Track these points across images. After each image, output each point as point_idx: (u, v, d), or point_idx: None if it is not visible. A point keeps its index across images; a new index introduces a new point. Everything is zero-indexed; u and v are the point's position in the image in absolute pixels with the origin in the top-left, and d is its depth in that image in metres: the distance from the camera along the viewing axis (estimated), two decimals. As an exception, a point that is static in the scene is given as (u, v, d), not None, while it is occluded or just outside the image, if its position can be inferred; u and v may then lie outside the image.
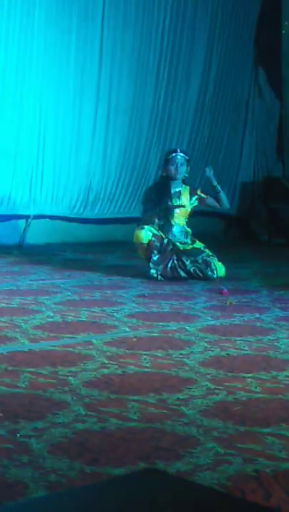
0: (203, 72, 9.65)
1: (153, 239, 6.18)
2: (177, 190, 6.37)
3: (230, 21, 9.82)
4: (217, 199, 6.44)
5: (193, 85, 9.56)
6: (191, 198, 6.39)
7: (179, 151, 6.45)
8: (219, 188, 6.43)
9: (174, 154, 6.34)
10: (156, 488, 1.36)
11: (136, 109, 9.09)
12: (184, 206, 6.33)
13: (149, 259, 6.18)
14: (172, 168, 6.30)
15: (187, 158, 6.39)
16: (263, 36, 10.19)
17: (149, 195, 6.44)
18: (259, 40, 10.19)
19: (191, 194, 6.40)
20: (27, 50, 8.14)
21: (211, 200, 6.46)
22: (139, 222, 6.44)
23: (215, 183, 6.43)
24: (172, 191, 6.35)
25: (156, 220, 6.27)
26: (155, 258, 6.17)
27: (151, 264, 6.16)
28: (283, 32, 10.25)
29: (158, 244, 6.20)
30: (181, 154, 6.36)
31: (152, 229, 6.24)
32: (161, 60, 9.22)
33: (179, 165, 6.29)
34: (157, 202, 6.29)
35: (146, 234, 6.19)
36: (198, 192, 6.46)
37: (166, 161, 6.38)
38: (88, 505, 1.29)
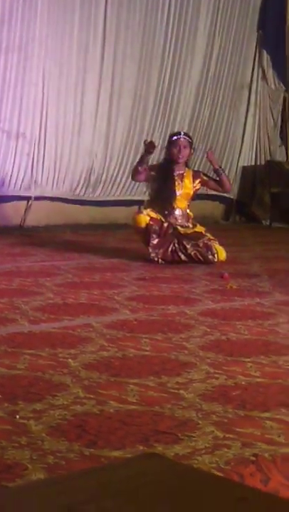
0: (206, 54, 9.59)
1: (151, 222, 6.16)
2: (180, 172, 6.34)
3: (234, 3, 9.75)
4: (219, 182, 6.43)
5: (196, 67, 9.51)
6: (193, 181, 6.37)
7: (182, 133, 6.44)
8: (221, 171, 6.42)
9: (177, 137, 6.32)
10: (155, 472, 1.35)
11: (140, 90, 9.03)
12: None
13: (147, 242, 6.17)
14: (175, 151, 6.27)
15: (190, 140, 6.37)
16: (267, 18, 10.12)
17: (152, 174, 6.32)
18: (263, 23, 10.12)
19: (194, 177, 6.38)
20: (30, 29, 8.08)
21: (213, 183, 6.46)
22: (140, 204, 6.43)
23: (217, 166, 6.43)
24: (175, 174, 6.32)
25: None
26: (154, 242, 6.16)
27: (150, 248, 6.15)
28: (288, 14, 10.17)
29: (157, 227, 6.18)
30: (185, 137, 6.34)
31: (151, 212, 6.22)
32: (166, 40, 9.16)
33: (182, 147, 6.27)
34: (162, 184, 6.26)
35: (144, 217, 6.17)
36: (201, 175, 6.45)
37: (170, 143, 6.35)
38: (88, 490, 1.28)
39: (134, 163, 6.51)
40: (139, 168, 6.23)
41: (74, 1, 8.39)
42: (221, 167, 6.65)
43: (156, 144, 6.28)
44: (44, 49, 8.21)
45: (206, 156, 6.50)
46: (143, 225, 6.16)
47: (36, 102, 8.22)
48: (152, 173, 6.27)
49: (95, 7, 8.54)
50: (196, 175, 6.41)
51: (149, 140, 6.34)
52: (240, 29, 9.91)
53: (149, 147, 6.15)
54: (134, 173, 6.35)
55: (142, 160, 6.24)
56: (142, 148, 6.48)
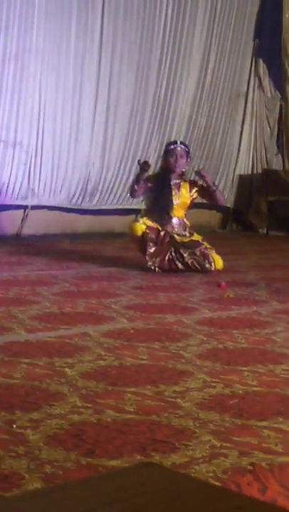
0: (202, 62, 9.61)
1: (147, 231, 6.17)
2: (177, 182, 6.35)
3: (230, 12, 9.78)
4: (212, 197, 6.43)
5: (193, 76, 9.53)
6: (190, 190, 6.38)
7: (178, 142, 6.45)
8: (214, 188, 6.42)
9: (173, 146, 6.33)
10: (153, 482, 1.35)
11: (136, 99, 9.05)
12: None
13: (144, 251, 6.17)
14: (172, 160, 6.28)
15: (187, 150, 6.38)
16: (263, 27, 10.16)
17: (150, 185, 6.35)
18: (259, 31, 10.15)
19: (191, 186, 6.39)
20: (27, 38, 8.09)
21: (209, 194, 6.47)
22: (137, 213, 6.45)
23: (210, 182, 6.42)
24: (172, 183, 6.33)
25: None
26: (151, 250, 6.16)
27: (147, 257, 6.15)
28: (284, 23, 10.20)
29: (153, 236, 6.18)
30: (181, 146, 6.34)
31: (147, 221, 6.23)
32: (163, 49, 9.18)
33: (178, 157, 6.28)
34: (159, 193, 6.28)
35: (140, 226, 6.18)
36: (198, 184, 6.46)
37: (166, 152, 6.36)
38: (86, 499, 1.28)
39: (131, 182, 6.57)
40: (136, 186, 6.26)
41: (71, 10, 8.41)
42: (214, 183, 6.66)
43: (150, 163, 6.31)
44: (41, 58, 8.23)
45: (198, 175, 6.47)
46: (139, 233, 6.16)
47: (33, 111, 8.23)
48: (150, 184, 6.28)
49: (92, 16, 8.56)
50: (192, 184, 6.42)
51: (142, 160, 6.36)
52: (236, 38, 9.94)
53: (144, 166, 6.18)
54: (132, 192, 6.37)
55: (138, 179, 6.26)
56: (136, 168, 6.51)
